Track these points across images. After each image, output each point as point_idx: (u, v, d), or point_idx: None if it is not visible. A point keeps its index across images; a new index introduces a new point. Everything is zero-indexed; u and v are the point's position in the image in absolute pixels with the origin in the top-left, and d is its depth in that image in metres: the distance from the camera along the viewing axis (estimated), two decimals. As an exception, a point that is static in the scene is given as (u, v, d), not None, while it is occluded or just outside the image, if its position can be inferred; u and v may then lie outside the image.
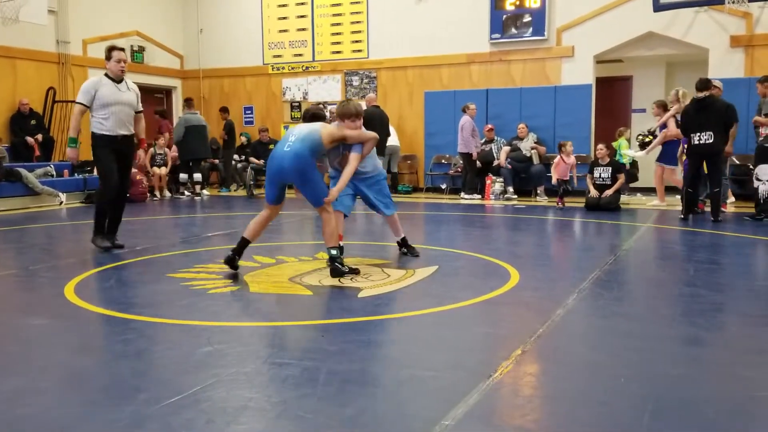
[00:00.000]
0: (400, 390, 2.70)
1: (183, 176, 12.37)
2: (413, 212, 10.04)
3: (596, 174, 9.61)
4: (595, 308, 4.13)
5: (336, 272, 4.88)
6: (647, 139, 10.25)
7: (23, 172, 10.27)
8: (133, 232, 8.24)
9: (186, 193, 12.36)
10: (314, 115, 5.39)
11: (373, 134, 5.38)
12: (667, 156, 9.84)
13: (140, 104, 6.44)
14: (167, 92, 15.48)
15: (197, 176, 12.42)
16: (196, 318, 3.87)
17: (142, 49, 14.29)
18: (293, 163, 4.85)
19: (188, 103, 12.76)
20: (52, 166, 11.23)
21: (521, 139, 11.56)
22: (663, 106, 9.97)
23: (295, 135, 4.97)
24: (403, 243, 5.90)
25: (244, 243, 5.14)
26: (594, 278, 4.79)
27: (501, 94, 12.26)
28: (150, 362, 3.10)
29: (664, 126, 9.77)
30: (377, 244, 7.04)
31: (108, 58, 6.20)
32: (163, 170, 12.46)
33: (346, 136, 5.16)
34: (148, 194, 11.70)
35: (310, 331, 3.64)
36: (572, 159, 10.13)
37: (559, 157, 10.14)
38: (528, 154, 11.42)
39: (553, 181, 10.09)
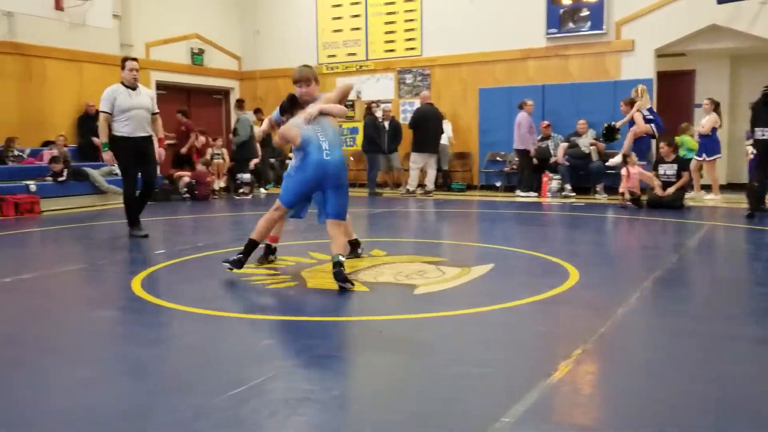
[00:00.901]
0: (458, 386, 2.70)
1: (246, 176, 12.43)
2: (467, 210, 10.00)
3: (661, 171, 9.35)
4: (657, 307, 4.04)
5: (339, 277, 4.46)
6: (615, 135, 10.63)
7: (90, 171, 10.65)
8: (195, 229, 8.48)
9: (245, 191, 12.54)
10: (291, 100, 5.18)
11: (347, 84, 5.49)
12: (638, 153, 9.99)
13: (156, 106, 7.03)
14: (225, 93, 15.80)
15: (247, 176, 12.48)
16: (257, 312, 3.95)
17: (201, 52, 14.63)
18: (339, 170, 4.75)
19: (240, 104, 12.94)
20: (117, 165, 11.57)
21: (580, 135, 11.36)
22: (631, 104, 10.24)
23: (327, 140, 4.76)
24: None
25: (253, 245, 4.97)
26: (656, 277, 4.68)
27: (558, 89, 12.07)
28: (214, 354, 3.18)
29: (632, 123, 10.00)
30: (430, 241, 7.04)
31: (122, 67, 6.89)
32: (221, 162, 12.74)
33: (341, 106, 5.14)
34: (211, 193, 11.97)
35: (367, 327, 3.67)
36: (637, 168, 9.64)
37: (625, 169, 9.68)
38: (587, 151, 11.21)
39: (626, 195, 9.45)
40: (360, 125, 14.05)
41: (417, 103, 13.21)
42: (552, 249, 6.13)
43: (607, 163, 11.00)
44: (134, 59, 7.00)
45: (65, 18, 11.18)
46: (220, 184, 12.74)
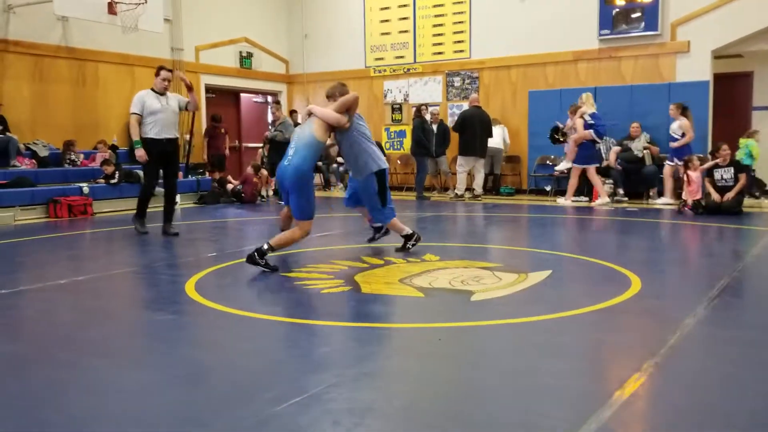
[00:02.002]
0: (526, 399, 2.59)
1: None
2: (518, 214, 9.82)
3: (717, 176, 9.03)
4: (729, 318, 3.85)
5: (251, 259, 5.09)
6: (559, 136, 11.19)
7: (140, 173, 10.79)
8: (245, 232, 8.51)
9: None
10: None
11: (352, 94, 5.73)
12: (583, 157, 10.53)
13: (183, 100, 7.55)
14: (273, 96, 15.91)
15: None
16: (313, 317, 3.90)
17: (250, 55, 14.76)
18: (292, 178, 5.31)
19: (279, 104, 12.92)
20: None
21: (633, 138, 11.06)
22: (575, 111, 10.73)
23: (294, 147, 5.45)
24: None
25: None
26: (723, 286, 4.47)
27: (610, 92, 11.77)
28: (272, 360, 3.13)
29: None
30: (482, 246, 6.91)
31: (156, 74, 7.41)
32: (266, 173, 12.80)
33: (332, 112, 5.60)
34: (258, 196, 12.04)
35: (426, 334, 3.58)
36: (699, 172, 9.30)
37: (686, 174, 9.35)
38: (640, 155, 10.91)
39: (689, 203, 9.09)
40: (407, 129, 13.99)
41: (465, 106, 13.08)
42: (609, 255, 5.95)
43: (555, 168, 11.65)
44: (169, 70, 7.47)
45: (118, 22, 11.38)
46: (269, 190, 12.79)
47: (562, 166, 11.30)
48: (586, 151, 10.55)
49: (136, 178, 10.60)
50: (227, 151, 13.48)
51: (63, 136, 11.19)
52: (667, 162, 10.49)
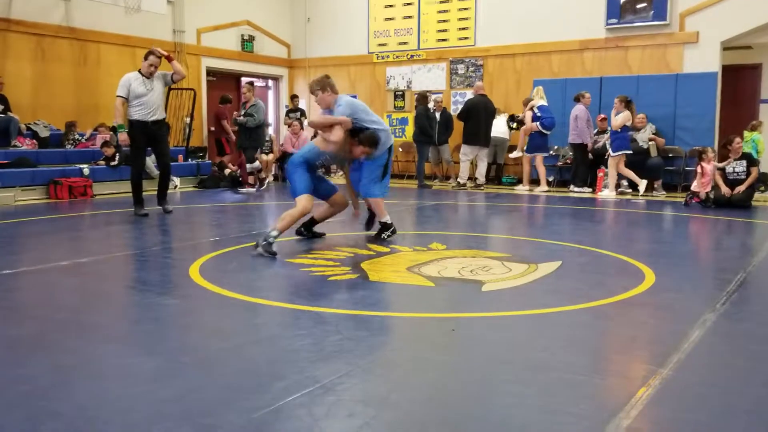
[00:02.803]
0: (550, 395, 2.50)
1: (256, 165, 11.35)
2: (521, 204, 9.73)
3: (729, 169, 8.92)
4: (752, 314, 3.77)
5: (266, 248, 5.15)
6: (513, 125, 12.09)
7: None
8: (248, 217, 8.40)
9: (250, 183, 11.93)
10: None
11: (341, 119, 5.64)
12: (532, 147, 11.29)
13: (171, 75, 7.60)
14: (275, 80, 15.75)
15: (257, 164, 11.45)
16: (321, 305, 3.81)
17: (252, 39, 14.58)
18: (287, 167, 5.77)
19: (253, 86, 11.75)
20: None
21: (638, 129, 10.96)
22: (527, 103, 11.49)
23: None
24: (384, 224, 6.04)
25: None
26: (741, 280, 4.40)
27: (616, 82, 11.65)
28: (283, 349, 3.04)
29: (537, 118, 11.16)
30: (489, 236, 6.83)
31: (145, 58, 7.45)
32: (271, 157, 12.70)
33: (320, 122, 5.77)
34: (258, 181, 11.92)
35: (439, 324, 3.50)
36: (713, 164, 9.19)
37: (700, 166, 9.23)
38: (645, 146, 10.81)
39: (701, 194, 8.97)
40: (410, 116, 13.86)
41: (469, 94, 12.96)
42: (619, 247, 5.87)
43: (510, 155, 12.15)
44: (159, 56, 7.50)
45: (120, 3, 11.22)
46: (269, 175, 12.69)
47: (515, 154, 11.92)
48: (535, 141, 11.25)
49: (137, 161, 10.47)
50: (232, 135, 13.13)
51: (64, 117, 11.04)
52: (611, 154, 10.49)
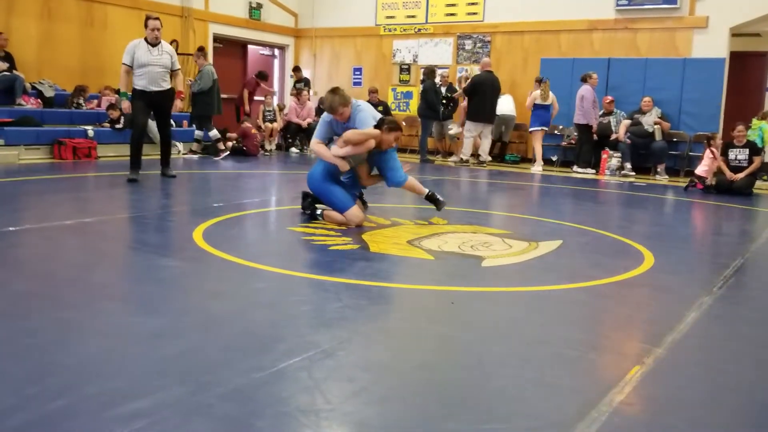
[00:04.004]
0: (545, 369, 2.54)
1: (212, 133, 11.05)
2: (524, 183, 9.75)
3: (731, 156, 8.92)
4: (747, 299, 3.82)
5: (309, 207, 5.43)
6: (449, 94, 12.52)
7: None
8: (252, 184, 8.43)
9: (294, 150, 12.37)
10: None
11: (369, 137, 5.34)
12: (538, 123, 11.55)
13: (176, 64, 7.62)
14: (280, 49, 15.65)
15: (214, 133, 11.12)
16: (322, 273, 3.85)
17: (259, 6, 14.45)
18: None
19: (203, 52, 11.39)
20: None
21: (644, 113, 10.92)
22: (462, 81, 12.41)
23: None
24: (429, 198, 5.82)
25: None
26: (739, 266, 4.44)
27: (624, 64, 11.60)
28: (284, 313, 3.09)
29: None
30: (490, 213, 6.86)
31: (145, 25, 7.35)
32: (275, 125, 12.68)
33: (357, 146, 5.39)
34: (260, 149, 11.93)
35: (438, 297, 3.54)
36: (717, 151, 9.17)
37: (708, 151, 9.21)
38: (650, 130, 10.79)
39: (709, 180, 8.95)
40: (415, 90, 13.80)
41: (475, 70, 12.89)
42: (620, 229, 5.90)
43: (449, 132, 12.61)
44: (156, 18, 7.42)
45: (129, -37, 11.10)
46: (272, 143, 12.70)
47: (454, 131, 12.48)
48: (540, 119, 11.58)
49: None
50: (247, 107, 12.98)
51: (69, 77, 10.99)
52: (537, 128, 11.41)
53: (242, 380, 2.27)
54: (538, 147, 11.47)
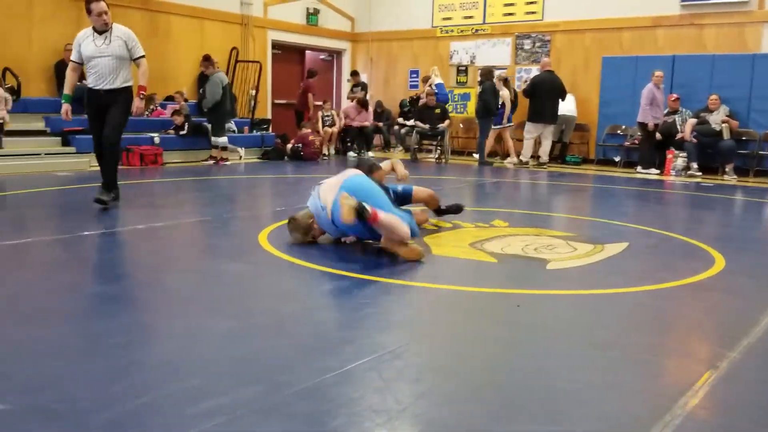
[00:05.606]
0: (614, 372, 2.52)
1: (221, 140, 10.66)
2: (586, 184, 9.59)
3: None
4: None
5: None
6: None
7: (208, 127, 10.94)
8: (307, 189, 8.55)
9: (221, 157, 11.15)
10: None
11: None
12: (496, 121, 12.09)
13: (137, 50, 5.98)
14: (337, 54, 15.83)
15: (224, 140, 10.75)
16: (387, 276, 3.89)
17: (316, 12, 14.66)
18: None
19: (210, 60, 10.70)
20: (233, 122, 11.89)
21: (711, 111, 10.59)
22: (426, 80, 13.17)
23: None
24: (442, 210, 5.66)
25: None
26: (817, 268, 4.27)
27: (689, 61, 11.27)
28: (351, 315, 3.14)
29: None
30: (552, 215, 6.78)
31: (88, 12, 5.78)
32: (334, 130, 12.84)
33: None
34: (319, 153, 12.08)
35: (503, 300, 3.53)
36: None
37: None
38: (718, 128, 10.45)
39: None
40: (472, 91, 13.75)
41: (534, 71, 12.76)
42: (688, 230, 5.75)
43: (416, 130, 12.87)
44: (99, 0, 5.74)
45: (191, -25, 11.42)
46: (330, 148, 12.86)
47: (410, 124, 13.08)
48: (417, 114, 12.67)
49: (204, 131, 10.75)
50: (310, 110, 13.10)
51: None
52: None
53: (314, 380, 2.32)
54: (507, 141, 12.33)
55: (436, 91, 12.74)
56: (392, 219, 4.20)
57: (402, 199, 5.33)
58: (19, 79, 9.41)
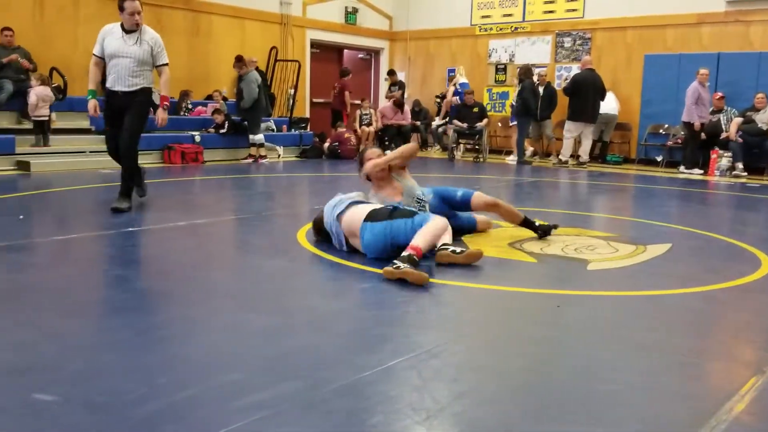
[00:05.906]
0: (656, 375, 2.47)
1: (259, 137, 10.76)
2: (627, 184, 9.44)
3: None
4: None
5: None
6: (438, 100, 14.28)
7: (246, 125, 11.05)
8: (349, 187, 8.59)
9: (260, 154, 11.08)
10: None
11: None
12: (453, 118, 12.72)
13: (161, 57, 5.79)
14: (375, 53, 15.85)
15: (260, 137, 10.82)
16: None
17: (355, 11, 14.71)
18: None
19: (243, 60, 10.73)
20: (272, 121, 12.01)
21: (758, 110, 10.32)
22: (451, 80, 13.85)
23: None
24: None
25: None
26: None
27: (735, 59, 11.00)
28: (389, 314, 3.15)
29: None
30: (592, 215, 6.68)
31: (121, 9, 5.53)
32: (371, 129, 12.87)
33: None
34: (358, 153, 12.12)
35: (543, 300, 3.50)
36: None
37: None
38: (764, 128, 10.18)
39: None
40: (510, 90, 13.63)
41: (574, 69, 12.60)
42: (734, 232, 5.62)
43: (433, 124, 13.96)
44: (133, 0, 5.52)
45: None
46: (366, 142, 12.89)
47: (436, 123, 13.88)
48: (453, 112, 13.05)
49: (244, 129, 10.87)
50: (348, 108, 13.19)
51: (178, 86, 11.56)
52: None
53: (353, 377, 2.34)
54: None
55: (459, 90, 13.10)
56: (426, 238, 4.04)
57: (459, 207, 4.98)
58: (66, 79, 9.64)
